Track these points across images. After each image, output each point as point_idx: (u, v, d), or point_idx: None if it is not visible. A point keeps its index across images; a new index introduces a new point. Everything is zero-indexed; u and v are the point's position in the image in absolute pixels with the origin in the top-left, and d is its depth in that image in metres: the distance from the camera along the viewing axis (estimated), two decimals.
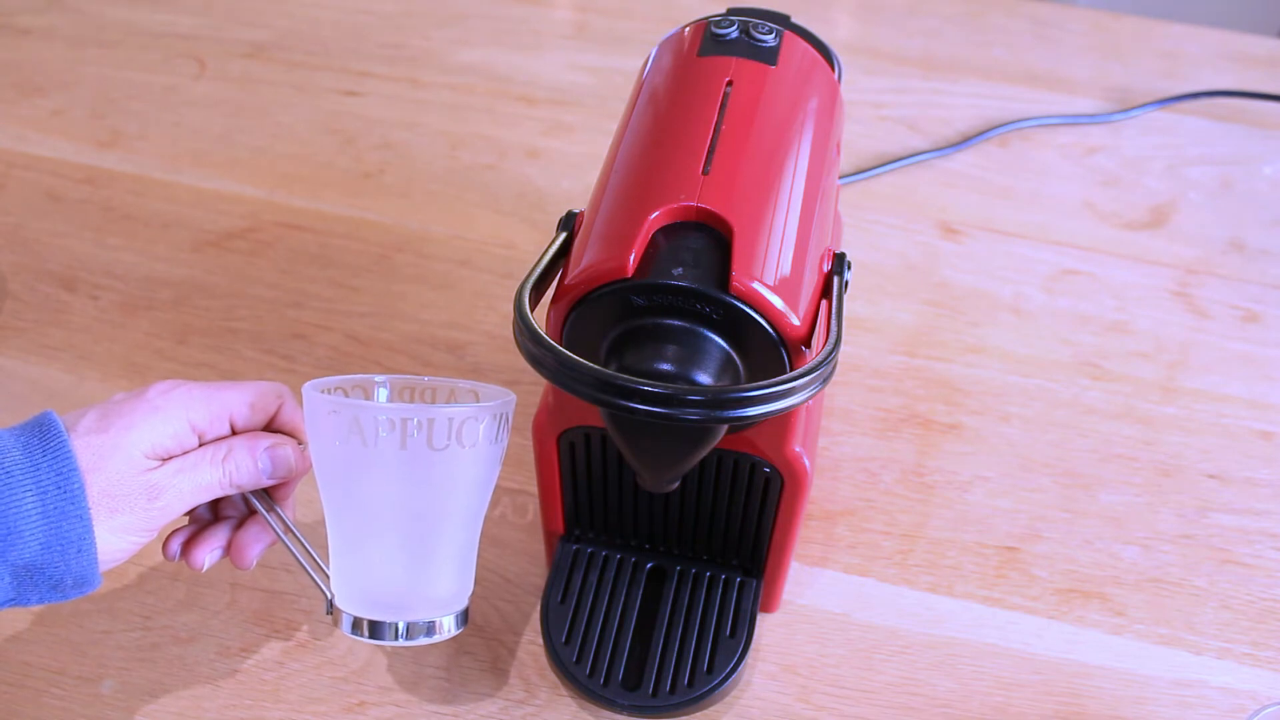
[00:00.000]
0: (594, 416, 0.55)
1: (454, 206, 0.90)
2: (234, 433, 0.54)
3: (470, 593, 0.55)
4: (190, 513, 0.56)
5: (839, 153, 0.62)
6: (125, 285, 0.84)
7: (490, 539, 0.69)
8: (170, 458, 0.51)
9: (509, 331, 0.49)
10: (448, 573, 0.53)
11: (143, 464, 0.50)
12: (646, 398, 0.43)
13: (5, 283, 0.84)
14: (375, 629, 0.52)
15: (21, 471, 0.47)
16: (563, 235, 0.52)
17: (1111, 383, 0.78)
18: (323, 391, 0.51)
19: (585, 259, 0.48)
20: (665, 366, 0.46)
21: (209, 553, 0.55)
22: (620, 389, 0.43)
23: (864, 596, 0.67)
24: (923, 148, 0.96)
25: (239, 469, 0.52)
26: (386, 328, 0.81)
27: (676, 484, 0.52)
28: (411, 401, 0.55)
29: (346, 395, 0.53)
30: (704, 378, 0.46)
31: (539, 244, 0.86)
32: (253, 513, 0.56)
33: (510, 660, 0.63)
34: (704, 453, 0.49)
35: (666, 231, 0.48)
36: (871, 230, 0.89)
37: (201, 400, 0.52)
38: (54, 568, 0.47)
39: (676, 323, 0.47)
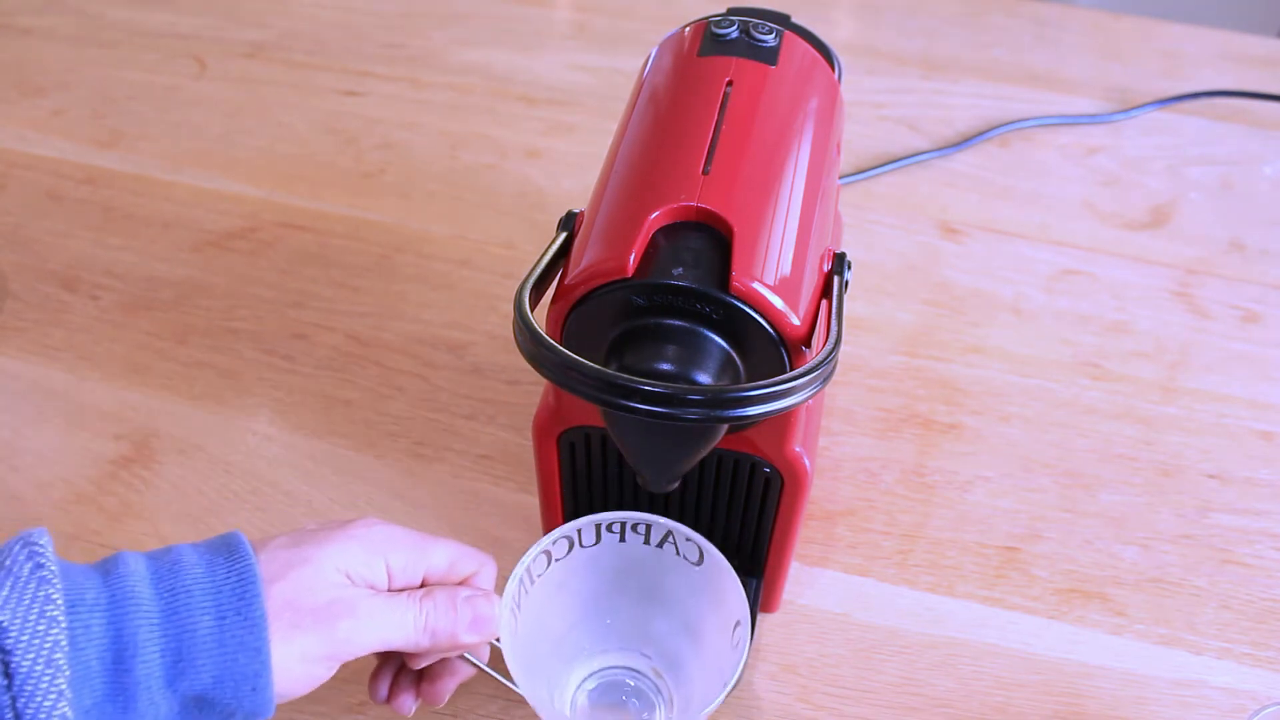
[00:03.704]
0: (594, 416, 0.55)
1: (454, 206, 0.90)
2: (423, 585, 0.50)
3: None
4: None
5: (839, 153, 0.62)
6: (126, 285, 0.84)
7: (490, 539, 0.69)
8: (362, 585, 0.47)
9: (509, 331, 0.49)
10: None
11: (334, 577, 0.46)
12: (647, 397, 0.43)
13: (6, 282, 0.84)
14: None
15: (203, 591, 0.43)
16: (563, 235, 0.52)
17: (1112, 383, 0.78)
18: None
19: (585, 259, 0.48)
20: (665, 366, 0.46)
21: (408, 694, 0.53)
22: (621, 388, 0.43)
23: (864, 596, 0.67)
24: (923, 148, 0.96)
25: (437, 611, 0.48)
26: (387, 328, 0.81)
27: (677, 484, 0.52)
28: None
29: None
30: (704, 377, 0.46)
31: (539, 244, 0.86)
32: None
33: None
34: (704, 453, 0.50)
35: (667, 231, 0.48)
36: (872, 230, 0.89)
37: (404, 545, 0.49)
38: (224, 704, 0.43)
39: (677, 322, 0.47)
